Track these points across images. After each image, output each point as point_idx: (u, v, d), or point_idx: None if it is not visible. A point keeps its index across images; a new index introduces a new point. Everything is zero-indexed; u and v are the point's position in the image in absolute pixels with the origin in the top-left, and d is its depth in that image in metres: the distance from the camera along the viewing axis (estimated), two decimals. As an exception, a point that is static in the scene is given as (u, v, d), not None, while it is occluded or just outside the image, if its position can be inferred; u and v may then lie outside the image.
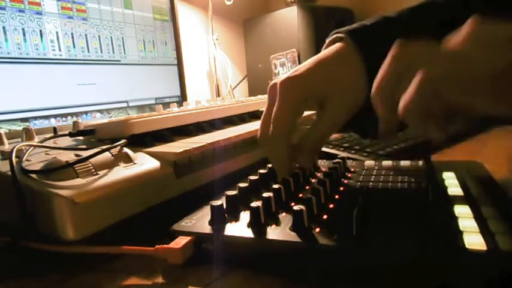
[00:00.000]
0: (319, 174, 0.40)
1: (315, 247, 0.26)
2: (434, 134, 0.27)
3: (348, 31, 0.38)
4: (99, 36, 0.70)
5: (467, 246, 0.23)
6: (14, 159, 0.33)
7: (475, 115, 0.27)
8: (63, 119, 0.63)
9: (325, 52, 0.38)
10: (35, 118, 0.59)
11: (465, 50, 0.25)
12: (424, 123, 0.26)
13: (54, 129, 0.56)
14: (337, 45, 0.38)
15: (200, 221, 0.31)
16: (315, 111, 0.39)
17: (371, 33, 0.38)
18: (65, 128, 0.56)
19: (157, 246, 0.28)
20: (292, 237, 0.26)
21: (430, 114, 0.26)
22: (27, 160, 0.35)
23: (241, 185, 0.34)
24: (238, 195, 0.33)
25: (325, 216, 0.29)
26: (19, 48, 0.58)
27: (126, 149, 0.39)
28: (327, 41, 0.40)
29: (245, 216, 0.31)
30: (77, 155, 0.36)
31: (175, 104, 0.63)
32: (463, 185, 0.34)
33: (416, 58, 0.27)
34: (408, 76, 0.26)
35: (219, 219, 0.30)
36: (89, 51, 0.68)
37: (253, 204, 0.29)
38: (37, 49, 0.60)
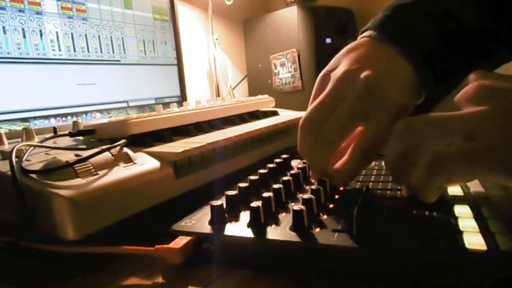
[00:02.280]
0: (319, 174, 0.40)
1: (315, 247, 0.26)
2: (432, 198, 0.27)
3: (376, 25, 0.34)
4: (99, 36, 0.70)
5: (467, 246, 0.23)
6: (14, 159, 0.33)
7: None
8: (63, 119, 0.63)
9: (355, 47, 0.33)
10: (35, 118, 0.59)
11: (474, 120, 0.24)
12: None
13: (54, 129, 0.56)
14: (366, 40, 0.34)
15: (200, 221, 0.31)
16: None
17: (401, 24, 0.34)
18: (65, 128, 0.56)
19: (157, 246, 0.28)
20: (292, 237, 0.26)
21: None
22: (27, 160, 0.35)
23: (241, 185, 0.34)
24: (238, 195, 0.33)
25: (325, 216, 0.29)
26: (19, 48, 0.58)
27: (126, 149, 0.39)
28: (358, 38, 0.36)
29: (245, 216, 0.31)
30: (76, 155, 0.36)
31: (175, 104, 0.63)
32: (463, 185, 0.34)
33: (422, 136, 0.26)
34: (416, 153, 0.25)
35: (219, 219, 0.30)
36: (88, 51, 0.68)
37: (253, 204, 0.29)
38: (37, 49, 0.60)
